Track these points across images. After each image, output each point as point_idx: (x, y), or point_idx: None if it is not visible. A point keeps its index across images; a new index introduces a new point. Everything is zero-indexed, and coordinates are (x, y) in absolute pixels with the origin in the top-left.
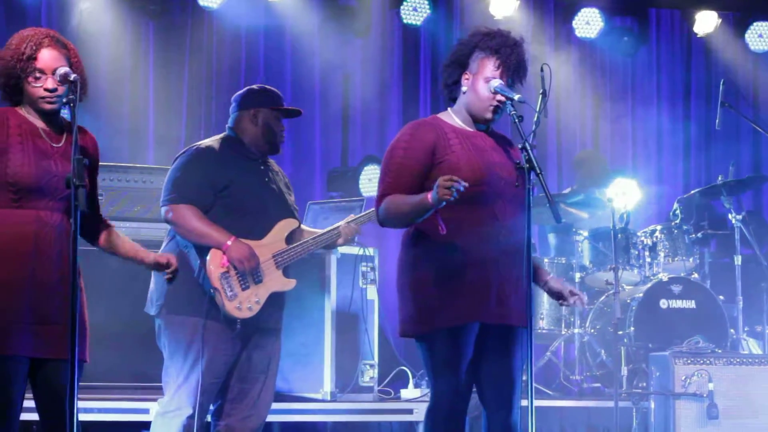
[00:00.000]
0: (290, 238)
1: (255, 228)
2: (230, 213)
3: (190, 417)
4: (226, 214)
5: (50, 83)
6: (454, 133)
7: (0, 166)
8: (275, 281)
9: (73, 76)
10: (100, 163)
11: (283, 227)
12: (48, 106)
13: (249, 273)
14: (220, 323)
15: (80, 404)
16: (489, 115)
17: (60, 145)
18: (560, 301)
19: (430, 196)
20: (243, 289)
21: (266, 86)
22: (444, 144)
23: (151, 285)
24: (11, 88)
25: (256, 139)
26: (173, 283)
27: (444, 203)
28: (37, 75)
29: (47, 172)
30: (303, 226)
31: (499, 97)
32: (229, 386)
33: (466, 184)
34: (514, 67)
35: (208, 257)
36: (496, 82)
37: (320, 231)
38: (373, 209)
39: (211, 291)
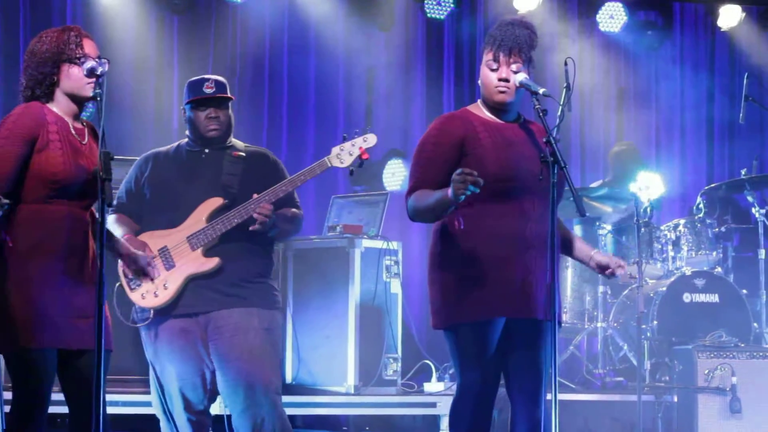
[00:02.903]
0: (214, 219)
1: (175, 216)
2: (154, 207)
3: (168, 422)
4: (151, 210)
5: (99, 70)
6: (484, 126)
7: (38, 162)
8: (190, 263)
9: (100, 70)
10: (126, 157)
11: (205, 207)
12: (90, 93)
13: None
14: (140, 320)
15: (108, 397)
16: (498, 97)
17: (86, 141)
18: (607, 272)
19: (449, 191)
20: (151, 279)
21: (191, 79)
22: (473, 137)
23: None
24: (48, 82)
25: (191, 135)
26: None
27: (463, 197)
28: (83, 60)
29: (81, 168)
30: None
31: (502, 83)
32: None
33: (480, 181)
34: (506, 44)
35: None
36: (521, 76)
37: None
38: (283, 182)
39: (119, 288)
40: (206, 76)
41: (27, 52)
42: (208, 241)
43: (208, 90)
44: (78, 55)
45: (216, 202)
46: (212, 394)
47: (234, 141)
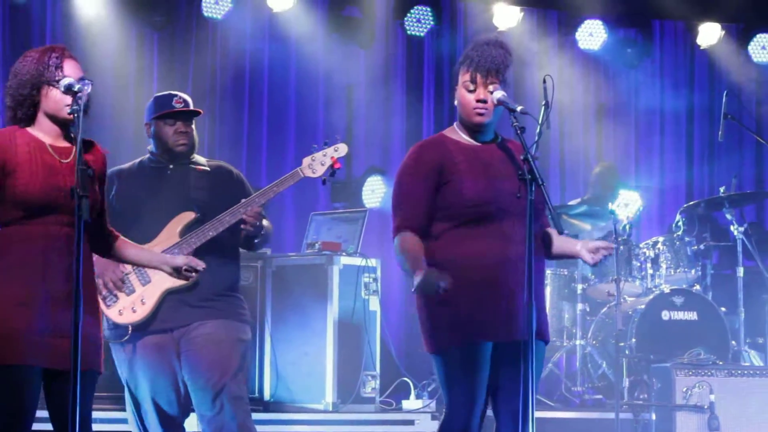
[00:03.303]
0: (187, 233)
1: (145, 231)
2: (120, 225)
3: None
4: (118, 228)
5: (76, 87)
6: (460, 150)
7: (9, 186)
8: (167, 278)
9: (77, 87)
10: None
11: (177, 222)
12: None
13: (119, 282)
14: (116, 337)
15: (95, 414)
16: (476, 119)
17: (69, 160)
18: (600, 254)
19: (417, 275)
20: (128, 294)
21: (157, 94)
22: (450, 163)
23: None
24: (28, 104)
25: (157, 151)
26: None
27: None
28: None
29: (55, 187)
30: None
31: (480, 105)
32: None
33: (447, 286)
34: (483, 65)
35: None
36: (499, 93)
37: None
38: (274, 183)
39: None
40: (173, 92)
41: (11, 71)
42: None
43: (178, 105)
44: (57, 78)
45: (188, 216)
46: (186, 409)
47: (196, 156)
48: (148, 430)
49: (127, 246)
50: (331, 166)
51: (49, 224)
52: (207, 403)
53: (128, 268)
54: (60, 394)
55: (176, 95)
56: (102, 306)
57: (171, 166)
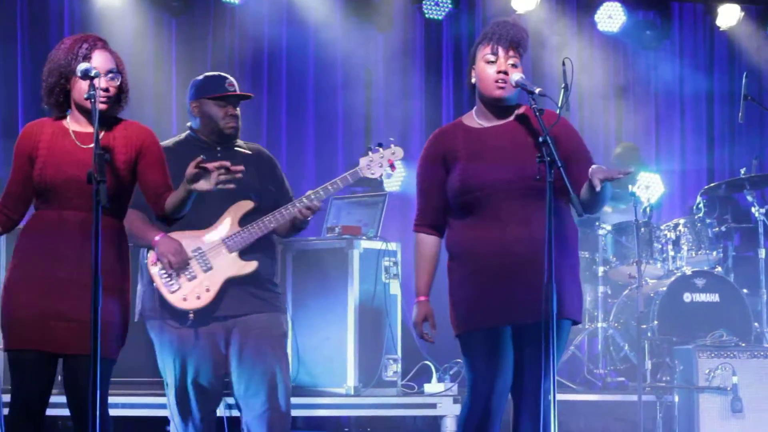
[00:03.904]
0: (246, 221)
1: (205, 216)
2: None
3: (182, 421)
4: None
5: (103, 83)
6: (466, 136)
7: (33, 173)
8: (229, 266)
9: (93, 72)
10: None
11: (236, 210)
12: (99, 106)
13: (183, 266)
14: (174, 320)
15: (110, 399)
16: (497, 92)
17: (92, 146)
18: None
19: (416, 302)
20: (189, 280)
21: (208, 74)
22: (452, 152)
23: None
24: (57, 92)
25: (203, 130)
26: (143, 287)
27: None
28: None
29: (67, 172)
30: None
31: (501, 75)
32: (232, 382)
33: (428, 336)
34: (505, 38)
35: (148, 256)
36: (517, 75)
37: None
38: (336, 179)
39: (155, 287)
40: (223, 74)
41: (48, 58)
42: (245, 244)
43: (231, 88)
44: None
45: (247, 205)
46: (220, 395)
47: (238, 140)
48: (190, 412)
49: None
50: (390, 167)
51: (63, 209)
52: (262, 393)
53: (189, 253)
54: (72, 379)
55: (227, 78)
56: (164, 291)
57: (218, 149)
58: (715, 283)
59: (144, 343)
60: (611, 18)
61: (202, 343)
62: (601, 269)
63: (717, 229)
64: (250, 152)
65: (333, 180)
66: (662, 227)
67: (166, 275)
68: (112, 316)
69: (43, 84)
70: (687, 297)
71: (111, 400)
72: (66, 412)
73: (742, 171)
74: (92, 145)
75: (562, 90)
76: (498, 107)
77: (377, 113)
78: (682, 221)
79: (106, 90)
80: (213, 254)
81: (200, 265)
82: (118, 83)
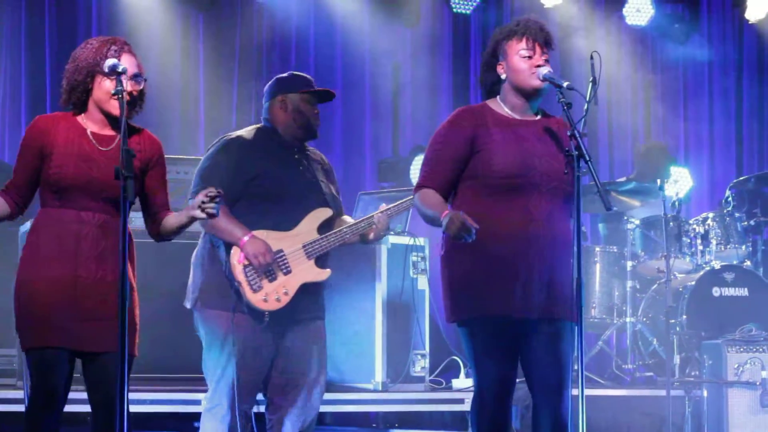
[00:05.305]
0: (324, 228)
1: (285, 218)
2: (259, 204)
3: (230, 411)
4: (255, 205)
5: (128, 86)
6: (497, 121)
7: (45, 168)
8: (307, 271)
9: (121, 68)
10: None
11: (316, 217)
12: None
13: (268, 267)
14: (248, 317)
15: (131, 395)
16: (536, 82)
17: (109, 148)
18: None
19: (443, 217)
20: (270, 281)
21: (295, 72)
22: (483, 134)
23: (189, 278)
24: (80, 90)
25: (288, 126)
26: (207, 278)
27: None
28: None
29: (87, 174)
30: (346, 217)
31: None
32: (271, 380)
33: (474, 232)
34: (537, 32)
35: (231, 252)
36: (545, 70)
37: (354, 221)
38: (408, 198)
39: (236, 285)
40: (306, 75)
41: (71, 56)
42: (322, 252)
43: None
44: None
45: (326, 213)
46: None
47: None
48: (236, 403)
49: (168, 217)
50: None
51: (81, 209)
52: (303, 395)
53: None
54: (92, 376)
55: (311, 78)
56: (246, 289)
57: (296, 149)
58: (744, 277)
59: (168, 337)
60: (639, 11)
61: (263, 341)
62: (629, 264)
63: (746, 223)
64: (319, 158)
65: (403, 199)
66: (691, 221)
67: (253, 273)
68: (133, 314)
69: (64, 82)
70: (716, 291)
71: (138, 396)
72: (85, 408)
73: None
74: (110, 147)
75: (590, 84)
76: (530, 101)
77: (404, 108)
78: (710, 215)
79: (129, 93)
80: (293, 258)
81: (281, 267)
82: (140, 88)
